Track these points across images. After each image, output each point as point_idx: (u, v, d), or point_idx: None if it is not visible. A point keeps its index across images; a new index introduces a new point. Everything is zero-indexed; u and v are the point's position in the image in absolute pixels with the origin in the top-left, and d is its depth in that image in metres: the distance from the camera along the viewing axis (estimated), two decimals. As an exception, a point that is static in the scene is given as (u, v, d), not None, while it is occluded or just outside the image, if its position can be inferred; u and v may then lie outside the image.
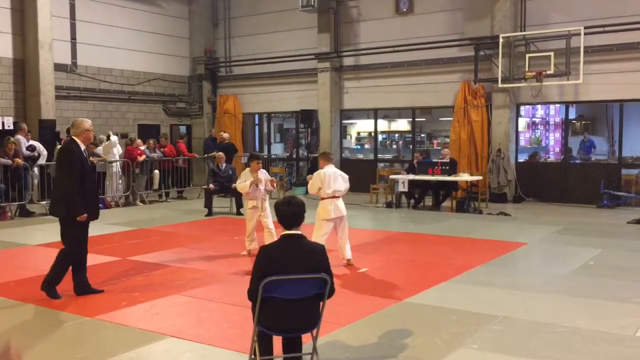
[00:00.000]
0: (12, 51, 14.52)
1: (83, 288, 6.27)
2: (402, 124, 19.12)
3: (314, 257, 4.09)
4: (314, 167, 17.57)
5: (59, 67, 15.13)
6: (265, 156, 18.82)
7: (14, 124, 14.15)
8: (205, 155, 16.50)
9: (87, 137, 6.28)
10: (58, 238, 9.60)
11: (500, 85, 13.97)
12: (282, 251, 4.04)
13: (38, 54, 14.38)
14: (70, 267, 6.26)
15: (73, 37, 15.88)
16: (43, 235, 10.12)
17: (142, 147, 14.85)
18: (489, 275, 7.27)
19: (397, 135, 19.40)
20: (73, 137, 6.23)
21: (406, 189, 13.18)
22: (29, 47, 14.51)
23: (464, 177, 13.13)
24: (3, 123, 14.11)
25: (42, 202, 12.92)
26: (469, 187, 13.50)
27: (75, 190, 6.04)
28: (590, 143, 16.34)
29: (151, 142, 15.25)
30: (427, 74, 15.57)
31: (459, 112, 15.10)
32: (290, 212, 4.07)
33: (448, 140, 16.10)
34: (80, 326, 5.39)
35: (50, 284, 6.14)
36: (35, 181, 13.06)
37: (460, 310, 5.79)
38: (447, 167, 13.07)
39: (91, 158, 13.64)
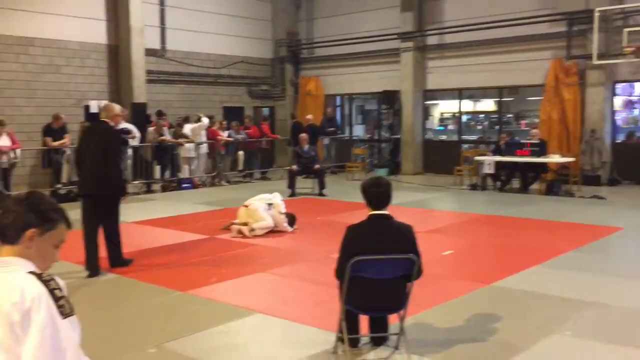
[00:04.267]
0: (107, 37, 15.19)
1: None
2: (488, 104, 18.55)
3: (402, 237, 4.06)
4: (395, 149, 17.45)
5: (149, 52, 15.68)
6: (347, 137, 18.83)
7: (109, 107, 14.85)
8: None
9: (117, 122, 6.66)
10: (150, 215, 10.15)
11: (595, 62, 13.22)
12: (370, 231, 4.04)
13: (130, 39, 14.97)
14: (101, 242, 6.54)
15: (162, 23, 16.40)
16: (136, 213, 10.59)
17: (223, 133, 15.15)
18: (582, 260, 6.96)
19: (481, 115, 18.86)
20: (106, 119, 6.44)
21: (492, 171, 12.80)
22: (122, 33, 15.13)
23: (554, 158, 12.58)
24: (99, 107, 14.80)
25: (134, 182, 13.52)
26: (559, 169, 12.93)
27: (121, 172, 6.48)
28: None
29: (225, 123, 15.50)
30: (515, 51, 14.97)
31: (549, 91, 14.45)
32: (378, 192, 4.05)
33: (536, 121, 15.46)
34: (173, 300, 5.62)
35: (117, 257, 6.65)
36: (128, 162, 13.67)
37: (553, 296, 5.58)
38: (537, 148, 12.55)
39: (180, 140, 14.22)
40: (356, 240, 4.00)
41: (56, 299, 1.91)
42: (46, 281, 1.93)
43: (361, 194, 4.12)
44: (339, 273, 4.05)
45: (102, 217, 6.44)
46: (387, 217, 4.07)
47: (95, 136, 6.46)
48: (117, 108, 6.63)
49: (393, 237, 4.02)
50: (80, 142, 6.71)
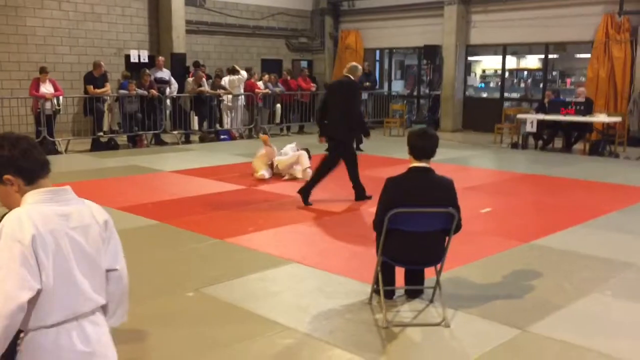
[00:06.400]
0: (147, -14, 15.15)
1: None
2: (532, 61, 17.99)
3: (442, 191, 4.00)
4: (435, 106, 17.15)
5: (189, 2, 15.58)
6: (385, 93, 18.56)
7: (149, 57, 14.91)
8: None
9: (357, 79, 7.72)
10: (189, 165, 10.26)
11: (649, 17, 12.64)
12: (410, 183, 3.98)
13: (170, -12, 14.90)
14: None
15: (203, -28, 16.24)
16: (175, 162, 10.76)
17: (259, 83, 15.07)
18: (625, 221, 6.79)
19: (525, 73, 18.33)
20: (350, 76, 7.54)
21: (534, 130, 12.49)
22: (162, -19, 15.06)
23: (600, 118, 12.19)
24: (139, 56, 14.89)
25: (174, 132, 13.66)
26: (605, 129, 12.54)
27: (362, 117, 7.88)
28: None
29: (267, 77, 15.46)
30: (564, 5, 14.37)
31: (598, 48, 13.90)
32: (421, 144, 3.98)
33: (583, 79, 14.95)
34: (212, 247, 5.72)
35: (308, 190, 7.48)
36: (167, 112, 13.79)
37: (592, 256, 5.48)
38: (582, 107, 12.16)
39: (219, 90, 14.23)
40: (395, 193, 3.96)
41: None
42: None
43: (407, 144, 4.06)
44: (377, 225, 4.02)
45: (344, 157, 7.55)
46: (428, 170, 4.01)
47: (341, 89, 7.53)
48: (360, 69, 7.80)
49: (433, 190, 3.96)
50: (327, 94, 7.92)
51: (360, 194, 7.66)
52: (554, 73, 17.40)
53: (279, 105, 15.71)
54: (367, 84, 17.09)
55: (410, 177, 4.01)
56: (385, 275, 4.19)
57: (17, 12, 13.06)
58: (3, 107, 11.76)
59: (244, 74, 14.57)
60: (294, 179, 9.15)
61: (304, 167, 9.19)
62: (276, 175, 9.33)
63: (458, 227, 4.00)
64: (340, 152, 7.49)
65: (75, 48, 13.98)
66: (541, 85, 16.19)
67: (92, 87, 12.26)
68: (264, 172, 9.21)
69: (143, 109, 12.80)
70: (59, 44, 13.75)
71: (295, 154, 9.40)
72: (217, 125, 14.36)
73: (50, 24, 13.58)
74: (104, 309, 2.15)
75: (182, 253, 5.56)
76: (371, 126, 16.76)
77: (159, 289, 4.64)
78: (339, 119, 7.34)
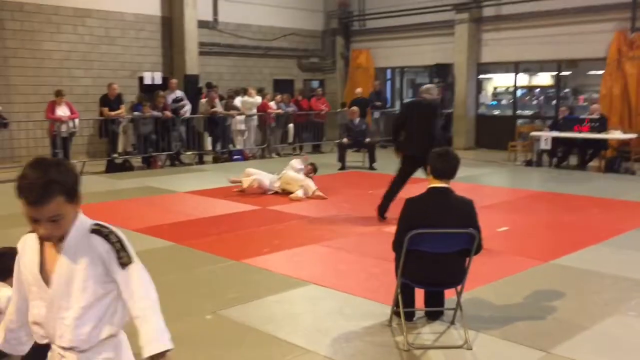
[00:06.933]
0: (161, 9, 15.32)
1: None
2: (544, 78, 17.96)
3: (462, 212, 3.98)
4: (447, 123, 17.11)
5: (201, 24, 15.74)
6: (397, 111, 18.54)
7: (163, 79, 15.04)
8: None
9: (434, 98, 7.86)
10: (203, 186, 10.29)
11: (662, 34, 12.60)
12: (429, 204, 3.96)
13: (183, 11, 15.04)
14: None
15: (214, -6, 16.43)
16: (190, 183, 10.79)
17: (271, 103, 15.14)
18: (645, 240, 6.71)
19: (537, 90, 18.29)
20: (426, 95, 7.70)
21: (549, 147, 12.42)
22: (175, 5, 15.21)
23: (615, 135, 12.11)
24: (153, 78, 15.02)
25: (187, 153, 13.72)
26: (620, 146, 12.45)
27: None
28: None
29: (279, 97, 15.55)
30: (576, 23, 14.37)
31: (611, 65, 13.85)
32: (441, 164, 3.97)
33: (595, 96, 14.88)
34: (229, 268, 5.70)
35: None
36: (182, 131, 13.84)
37: (614, 275, 5.40)
38: (597, 124, 12.11)
39: (232, 111, 14.30)
40: (415, 213, 3.93)
41: None
42: None
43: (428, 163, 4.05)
44: (397, 246, 4.00)
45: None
46: (447, 191, 3.99)
47: (422, 108, 7.61)
48: (436, 89, 8.06)
49: (453, 211, 3.93)
50: (405, 112, 8.12)
51: (382, 211, 7.63)
52: (566, 90, 17.34)
53: (291, 125, 15.76)
54: (378, 103, 17.14)
55: (429, 198, 3.99)
56: (405, 297, 4.15)
57: (33, 37, 13.25)
58: (20, 130, 11.90)
59: (258, 98, 14.68)
60: (309, 198, 9.15)
61: (312, 190, 9.27)
62: (284, 193, 9.43)
63: (479, 248, 3.96)
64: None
65: (90, 71, 14.14)
66: (554, 102, 16.14)
67: (107, 109, 12.38)
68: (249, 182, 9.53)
69: (157, 130, 12.89)
70: (74, 67, 13.91)
71: (303, 181, 9.42)
72: (230, 146, 14.43)
73: (66, 48, 13.76)
74: None
75: (199, 275, 5.55)
76: (384, 145, 16.90)
77: (177, 311, 4.61)
78: (422, 136, 7.31)
